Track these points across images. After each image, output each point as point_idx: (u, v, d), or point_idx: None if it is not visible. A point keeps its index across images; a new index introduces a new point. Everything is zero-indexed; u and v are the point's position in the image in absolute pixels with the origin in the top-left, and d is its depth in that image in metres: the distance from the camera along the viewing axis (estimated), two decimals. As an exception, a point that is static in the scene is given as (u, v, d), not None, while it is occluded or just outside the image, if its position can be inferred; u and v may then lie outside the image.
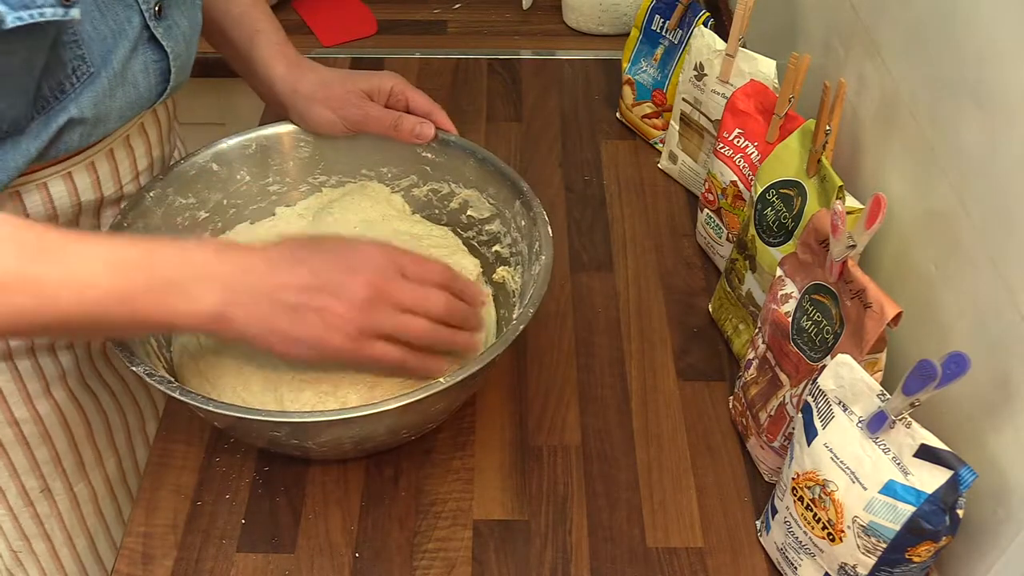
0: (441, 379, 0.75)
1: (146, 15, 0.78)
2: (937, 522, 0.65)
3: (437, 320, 0.75)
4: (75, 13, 0.68)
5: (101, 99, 0.77)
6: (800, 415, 0.74)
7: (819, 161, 0.84)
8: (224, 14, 0.96)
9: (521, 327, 0.79)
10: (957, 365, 0.61)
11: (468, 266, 0.95)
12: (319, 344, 0.72)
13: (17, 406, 0.88)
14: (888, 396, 0.67)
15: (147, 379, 0.75)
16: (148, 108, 0.85)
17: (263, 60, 0.95)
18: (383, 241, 0.77)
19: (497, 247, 0.96)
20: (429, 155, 0.97)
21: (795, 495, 0.74)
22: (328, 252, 0.73)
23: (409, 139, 0.94)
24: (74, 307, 0.65)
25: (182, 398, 0.74)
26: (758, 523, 0.83)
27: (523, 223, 0.91)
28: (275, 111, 0.99)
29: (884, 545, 0.67)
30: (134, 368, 0.75)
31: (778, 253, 0.88)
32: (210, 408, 0.74)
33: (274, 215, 1.00)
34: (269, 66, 0.95)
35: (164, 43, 0.81)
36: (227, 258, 0.70)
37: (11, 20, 0.65)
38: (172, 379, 0.77)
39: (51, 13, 0.67)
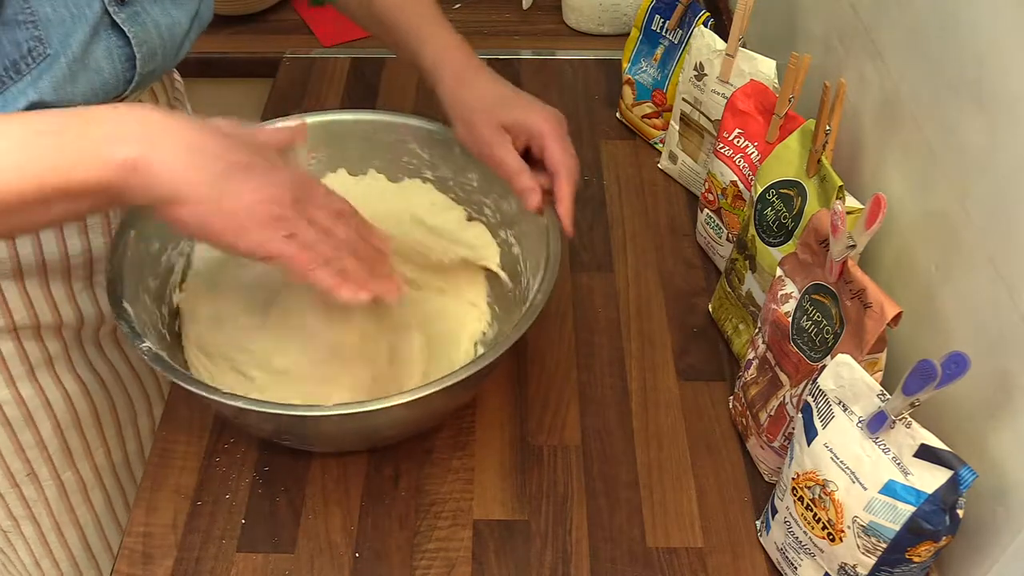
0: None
1: (105, 0, 0.77)
2: (937, 522, 0.65)
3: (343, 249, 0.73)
4: None
5: (61, 83, 0.76)
6: (800, 415, 0.74)
7: (819, 161, 0.84)
8: (390, 20, 0.93)
9: (534, 315, 0.79)
10: (957, 365, 0.61)
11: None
12: (241, 213, 0.66)
13: None
14: (888, 396, 0.67)
15: (150, 362, 0.76)
16: (119, 96, 0.83)
17: (429, 70, 0.91)
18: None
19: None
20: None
21: (795, 495, 0.74)
22: (256, 150, 0.70)
23: (518, 196, 0.88)
24: None
25: (187, 386, 0.74)
26: (758, 523, 0.83)
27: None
28: (307, 103, 0.97)
29: (884, 545, 0.67)
30: (139, 347, 0.76)
31: (778, 253, 0.88)
32: (214, 397, 0.74)
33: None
34: (433, 77, 0.91)
35: (126, 29, 0.79)
36: (153, 111, 0.67)
37: None
38: (178, 367, 0.78)
39: None
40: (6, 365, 0.88)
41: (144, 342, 0.77)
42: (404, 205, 0.98)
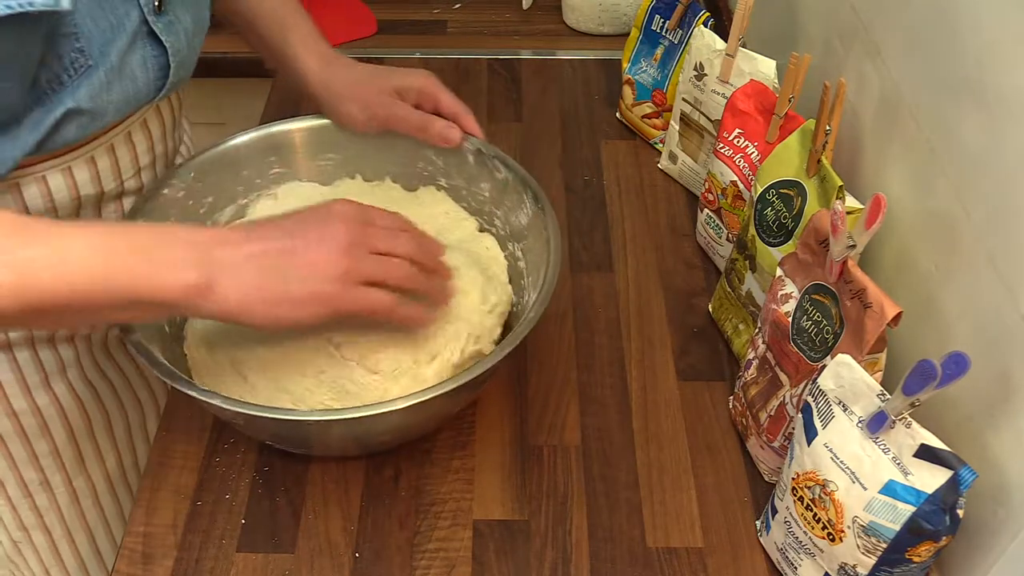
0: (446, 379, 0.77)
1: (144, 9, 0.78)
2: (937, 522, 0.65)
3: (411, 262, 0.78)
4: (65, 3, 0.68)
5: (98, 92, 0.77)
6: (800, 415, 0.74)
7: (819, 161, 0.84)
8: (255, 10, 0.96)
9: (528, 328, 0.79)
10: (957, 365, 0.61)
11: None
12: (306, 298, 0.71)
13: (16, 398, 0.88)
14: (888, 396, 0.67)
15: (137, 355, 0.76)
16: (147, 103, 0.84)
17: (296, 56, 0.96)
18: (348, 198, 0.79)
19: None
20: (496, 177, 0.96)
21: (795, 495, 0.74)
22: (300, 213, 0.74)
23: (436, 142, 0.94)
24: (54, 283, 0.65)
25: (187, 391, 0.74)
26: (758, 523, 0.83)
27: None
28: (310, 105, 0.99)
29: (884, 545, 0.67)
30: (128, 339, 0.76)
31: (778, 253, 0.88)
32: (214, 402, 0.74)
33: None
34: (302, 62, 0.96)
35: (163, 38, 0.80)
36: (204, 232, 0.73)
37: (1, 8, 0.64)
38: (180, 372, 0.78)
39: (41, 3, 0.66)
40: (22, 374, 0.88)
41: (135, 334, 0.78)
42: (423, 214, 0.98)
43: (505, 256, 0.96)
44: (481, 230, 0.99)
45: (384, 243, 0.75)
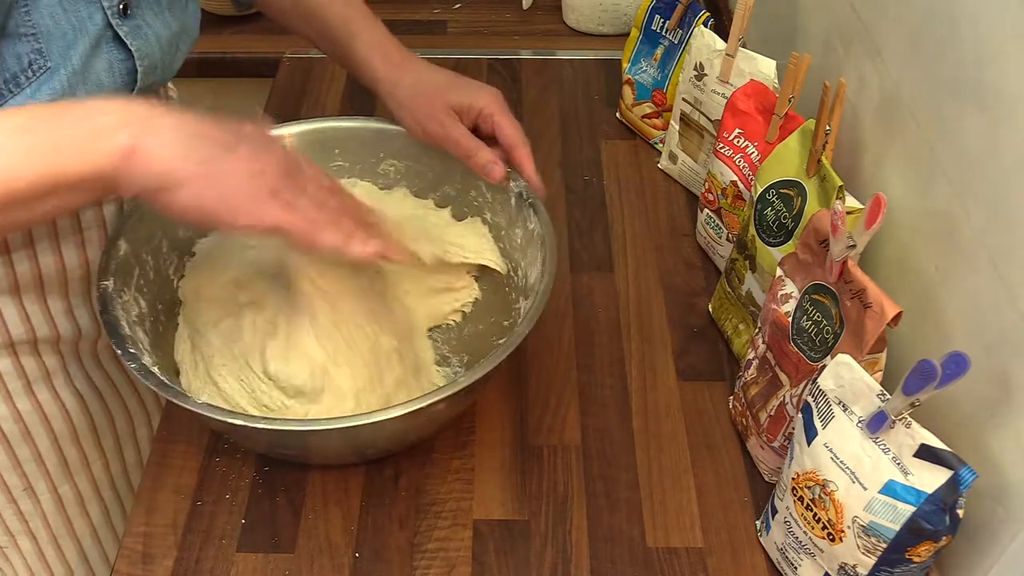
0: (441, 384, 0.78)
1: (108, 12, 0.76)
2: (937, 522, 0.65)
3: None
4: None
5: (60, 96, 0.75)
6: (800, 415, 0.74)
7: (819, 161, 0.84)
8: (320, 17, 0.95)
9: (527, 330, 0.79)
10: (957, 365, 0.61)
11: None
12: (238, 189, 0.68)
13: None
14: (888, 396, 0.67)
15: (142, 379, 0.75)
16: None
17: (364, 60, 0.94)
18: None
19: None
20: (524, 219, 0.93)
21: (795, 495, 0.74)
22: (245, 126, 0.72)
23: (479, 172, 0.92)
24: None
25: (177, 401, 0.74)
26: (758, 523, 0.83)
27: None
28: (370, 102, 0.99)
29: (884, 545, 0.67)
30: (130, 365, 0.76)
31: (778, 253, 0.88)
32: (208, 414, 0.74)
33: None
34: (370, 67, 0.94)
35: (128, 42, 0.79)
36: (139, 103, 0.68)
37: None
38: (168, 382, 0.78)
39: None
40: (3, 381, 0.87)
41: (124, 328, 0.78)
42: (461, 244, 0.97)
43: (512, 311, 0.93)
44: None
45: (316, 191, 0.73)
